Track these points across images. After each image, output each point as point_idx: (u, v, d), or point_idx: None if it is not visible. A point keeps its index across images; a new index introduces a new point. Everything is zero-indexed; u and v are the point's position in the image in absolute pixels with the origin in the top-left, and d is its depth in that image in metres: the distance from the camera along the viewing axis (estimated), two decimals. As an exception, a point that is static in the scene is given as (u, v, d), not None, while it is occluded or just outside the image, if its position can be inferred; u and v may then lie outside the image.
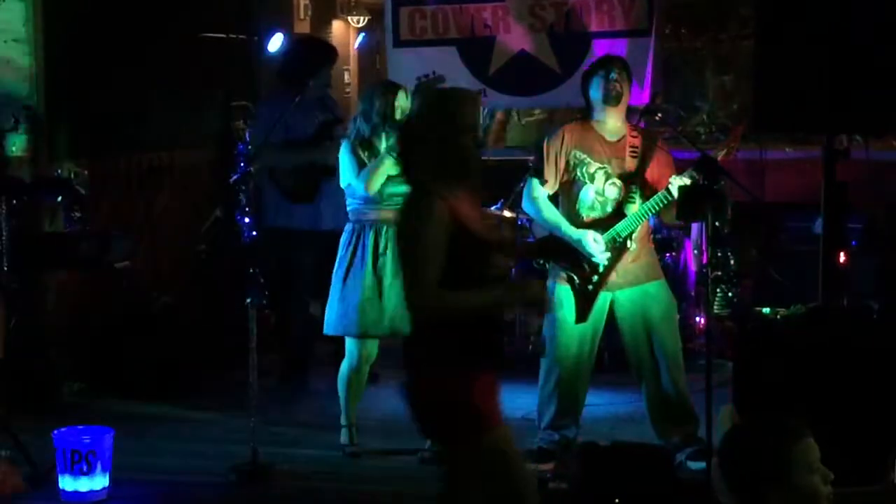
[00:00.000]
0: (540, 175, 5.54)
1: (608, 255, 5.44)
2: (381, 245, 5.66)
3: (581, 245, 5.42)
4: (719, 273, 7.58)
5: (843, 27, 5.23)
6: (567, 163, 5.50)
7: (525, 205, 5.67)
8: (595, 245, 5.43)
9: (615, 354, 6.31)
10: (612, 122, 5.54)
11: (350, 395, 5.82)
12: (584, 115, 5.65)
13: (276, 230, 6.85)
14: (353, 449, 5.81)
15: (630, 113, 5.79)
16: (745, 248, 7.88)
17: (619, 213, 5.48)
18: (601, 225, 5.48)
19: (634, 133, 5.58)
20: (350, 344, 5.79)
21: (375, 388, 6.38)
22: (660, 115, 5.67)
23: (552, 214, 5.54)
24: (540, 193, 5.55)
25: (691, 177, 5.26)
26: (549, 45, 8.00)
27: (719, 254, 7.55)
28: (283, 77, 7.12)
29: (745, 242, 7.87)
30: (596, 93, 5.50)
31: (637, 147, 5.52)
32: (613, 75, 5.46)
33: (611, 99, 5.47)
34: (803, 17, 5.30)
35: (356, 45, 10.88)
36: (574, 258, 5.45)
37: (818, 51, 5.22)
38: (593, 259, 5.43)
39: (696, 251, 7.62)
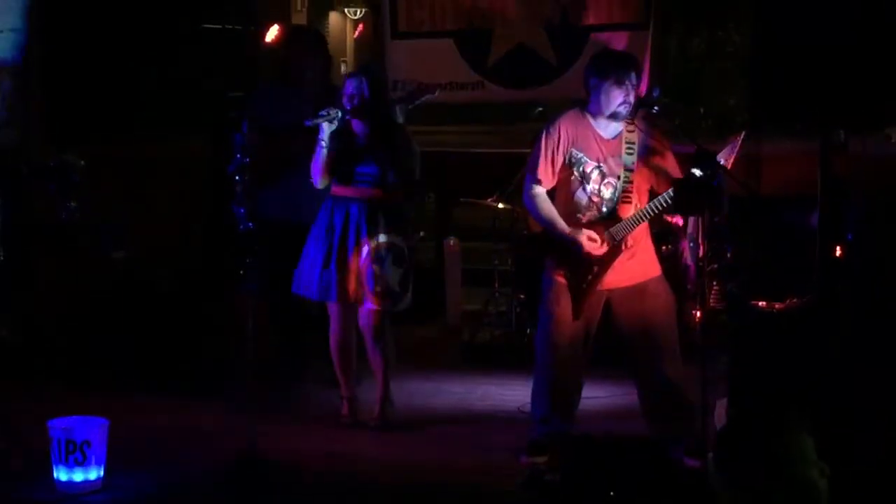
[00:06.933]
0: (535, 173, 5.43)
1: (605, 249, 5.38)
2: (350, 220, 5.77)
3: (577, 245, 5.35)
4: (715, 266, 7.56)
5: (839, 20, 5.24)
6: (564, 160, 5.41)
7: (524, 200, 5.55)
8: (590, 243, 5.35)
9: (611, 348, 6.29)
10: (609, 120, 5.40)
11: (341, 364, 5.98)
12: (582, 105, 5.47)
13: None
14: (347, 420, 5.91)
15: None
16: (742, 241, 7.87)
17: (615, 213, 5.37)
18: (597, 226, 5.38)
19: (631, 128, 5.41)
20: (329, 309, 5.97)
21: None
22: (656, 107, 5.63)
23: (548, 213, 5.44)
24: (538, 191, 5.45)
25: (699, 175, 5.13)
26: (547, 38, 7.99)
27: (715, 247, 7.53)
28: (276, 68, 7.11)
29: (741, 236, 7.86)
30: (605, 104, 5.31)
31: (634, 143, 5.39)
32: (630, 91, 5.29)
33: (619, 117, 5.36)
34: (800, 11, 5.30)
35: (355, 37, 10.89)
36: (566, 255, 5.41)
37: (815, 44, 5.22)
38: (590, 257, 5.36)
39: (692, 244, 7.60)
